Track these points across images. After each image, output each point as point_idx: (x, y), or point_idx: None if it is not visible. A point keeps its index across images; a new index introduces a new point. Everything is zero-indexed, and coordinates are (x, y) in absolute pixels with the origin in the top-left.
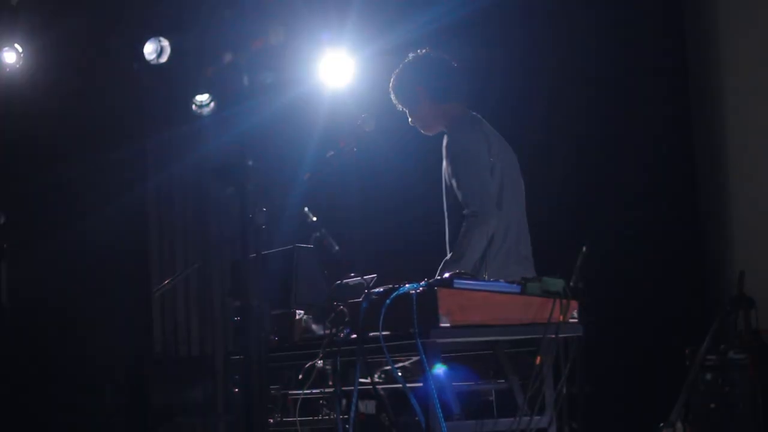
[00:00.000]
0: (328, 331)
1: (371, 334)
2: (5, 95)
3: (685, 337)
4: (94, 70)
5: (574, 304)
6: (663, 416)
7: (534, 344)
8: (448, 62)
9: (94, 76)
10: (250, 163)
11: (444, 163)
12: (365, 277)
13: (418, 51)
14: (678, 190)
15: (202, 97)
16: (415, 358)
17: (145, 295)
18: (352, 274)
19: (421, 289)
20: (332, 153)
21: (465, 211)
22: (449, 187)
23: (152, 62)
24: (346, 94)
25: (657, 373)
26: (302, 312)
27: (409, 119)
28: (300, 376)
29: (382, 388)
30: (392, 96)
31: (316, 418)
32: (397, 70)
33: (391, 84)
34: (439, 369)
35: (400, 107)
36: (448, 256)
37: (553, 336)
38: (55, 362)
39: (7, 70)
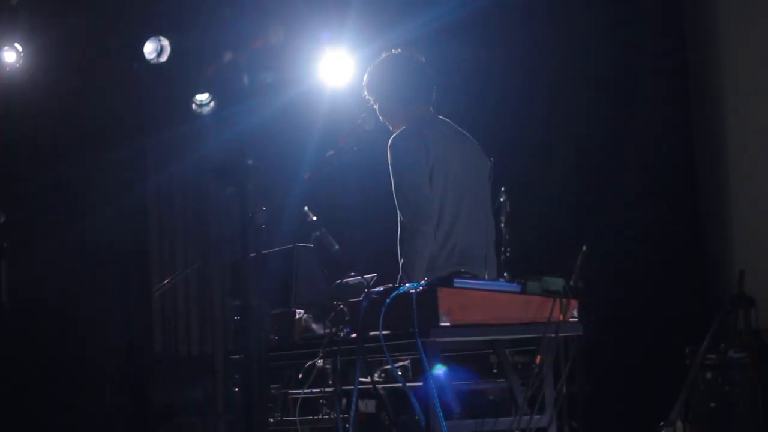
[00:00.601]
0: (328, 331)
1: (371, 333)
2: (5, 95)
3: (685, 337)
4: (94, 70)
5: (574, 303)
6: (663, 416)
7: (534, 344)
8: (419, 64)
9: (94, 76)
10: (250, 163)
11: None
12: (365, 276)
13: (392, 50)
14: (678, 190)
15: (202, 97)
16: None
17: (145, 295)
18: (352, 274)
19: (421, 288)
20: (332, 152)
21: (399, 219)
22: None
23: (152, 62)
24: (346, 94)
25: (657, 373)
26: (302, 311)
27: (378, 115)
28: (300, 376)
29: (382, 388)
30: (364, 91)
31: (316, 417)
32: (370, 67)
33: (363, 81)
34: (439, 369)
35: (371, 103)
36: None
37: (553, 335)
38: (55, 362)
39: (7, 70)
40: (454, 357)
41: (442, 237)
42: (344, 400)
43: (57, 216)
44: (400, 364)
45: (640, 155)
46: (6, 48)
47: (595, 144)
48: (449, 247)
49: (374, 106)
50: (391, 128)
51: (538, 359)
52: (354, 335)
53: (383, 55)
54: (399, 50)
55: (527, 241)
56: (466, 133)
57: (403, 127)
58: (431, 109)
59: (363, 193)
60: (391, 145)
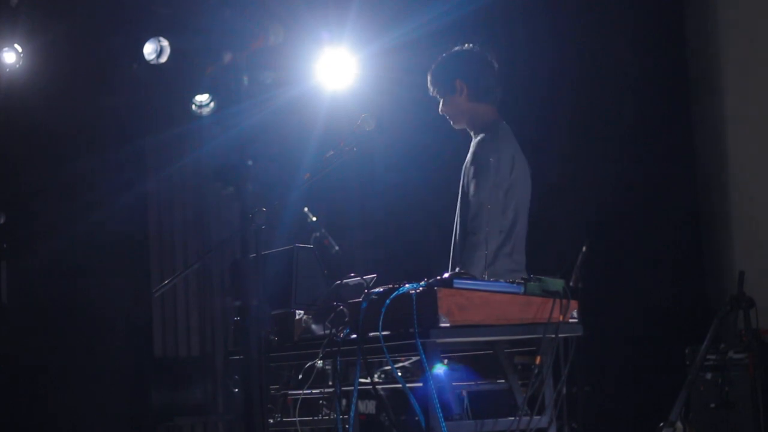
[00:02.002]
0: (327, 331)
1: (371, 334)
2: (5, 95)
3: (685, 337)
4: (94, 70)
5: (574, 304)
6: (663, 416)
7: (534, 344)
8: (491, 63)
9: (94, 76)
10: (250, 163)
11: (468, 164)
12: (365, 277)
13: (465, 45)
14: (678, 190)
15: (202, 98)
16: (415, 358)
17: (145, 295)
18: (352, 274)
19: (420, 289)
20: (332, 153)
21: (468, 226)
22: (465, 192)
23: (152, 62)
24: (346, 94)
25: (657, 373)
26: (302, 312)
27: (440, 108)
28: (300, 376)
29: (382, 388)
30: (429, 81)
31: (316, 418)
32: (440, 57)
33: (431, 70)
34: (439, 369)
35: (434, 93)
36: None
37: (553, 336)
38: (55, 362)
39: (7, 70)
40: (460, 357)
41: (508, 250)
42: (344, 401)
43: (57, 216)
44: (400, 364)
45: (640, 155)
46: (6, 49)
47: (595, 144)
48: (511, 259)
49: (435, 96)
50: (453, 124)
51: (537, 360)
52: (354, 336)
53: (455, 48)
54: (471, 45)
55: (527, 241)
56: None
57: (488, 130)
58: (497, 112)
59: (363, 194)
60: (480, 149)
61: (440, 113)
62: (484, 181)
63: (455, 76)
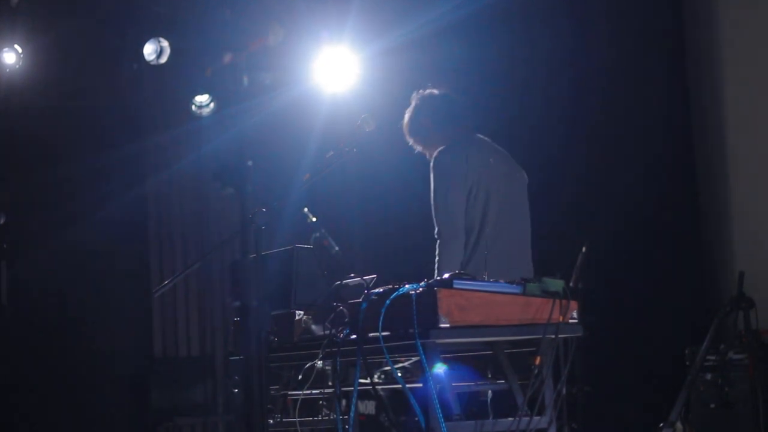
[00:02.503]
0: (327, 332)
1: (371, 334)
2: (5, 95)
3: (685, 337)
4: (94, 70)
5: (573, 304)
6: (663, 416)
7: (534, 344)
8: (448, 96)
9: (94, 76)
10: (250, 164)
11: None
12: (365, 277)
13: (421, 91)
14: (678, 190)
15: (202, 98)
16: (415, 359)
17: (145, 295)
18: (352, 275)
19: (420, 289)
20: (332, 153)
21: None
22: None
23: (152, 62)
24: (346, 95)
25: (657, 373)
26: (302, 313)
27: (419, 148)
28: (300, 377)
29: (382, 388)
30: (408, 138)
31: (315, 418)
32: (406, 112)
33: (405, 128)
34: (439, 369)
35: (417, 147)
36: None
37: (553, 336)
38: (55, 362)
39: (7, 70)
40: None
41: (480, 248)
42: (344, 401)
43: (57, 216)
44: (400, 365)
45: (640, 155)
46: (6, 48)
47: (595, 144)
48: (486, 258)
49: (417, 148)
50: (429, 155)
51: (537, 360)
52: (354, 336)
53: (415, 98)
54: (429, 90)
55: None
56: (503, 150)
57: (446, 145)
58: (470, 130)
59: (363, 194)
60: (434, 160)
61: (417, 152)
62: (438, 189)
63: (421, 119)
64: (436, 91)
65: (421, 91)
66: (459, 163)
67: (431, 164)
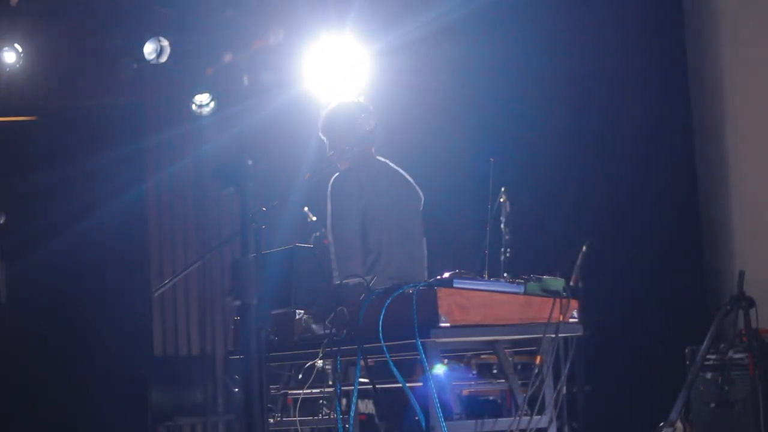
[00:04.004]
0: (327, 331)
1: (371, 334)
2: (5, 95)
3: (685, 337)
4: (93, 70)
5: (574, 303)
6: (663, 416)
7: (534, 344)
8: (362, 112)
9: (93, 76)
10: (250, 163)
11: None
12: (365, 277)
13: (342, 100)
14: (678, 190)
15: (202, 98)
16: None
17: (145, 295)
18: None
19: (420, 288)
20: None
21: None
22: None
23: (152, 62)
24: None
25: (657, 373)
26: (302, 312)
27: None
28: (300, 376)
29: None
30: (319, 132)
31: (316, 418)
32: (324, 112)
33: (320, 124)
34: (440, 369)
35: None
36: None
37: (553, 336)
38: (55, 362)
39: (7, 70)
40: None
41: (377, 266)
42: (344, 401)
43: (57, 216)
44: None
45: (640, 156)
46: (6, 48)
47: (595, 144)
48: (383, 276)
49: (326, 143)
50: (338, 165)
51: (538, 360)
52: (354, 336)
53: (334, 103)
54: (348, 100)
55: (527, 241)
56: (402, 171)
57: (343, 170)
58: (372, 150)
59: None
60: (330, 186)
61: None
62: (333, 215)
63: (331, 126)
64: (353, 103)
65: (345, 99)
66: (353, 191)
67: (328, 189)
